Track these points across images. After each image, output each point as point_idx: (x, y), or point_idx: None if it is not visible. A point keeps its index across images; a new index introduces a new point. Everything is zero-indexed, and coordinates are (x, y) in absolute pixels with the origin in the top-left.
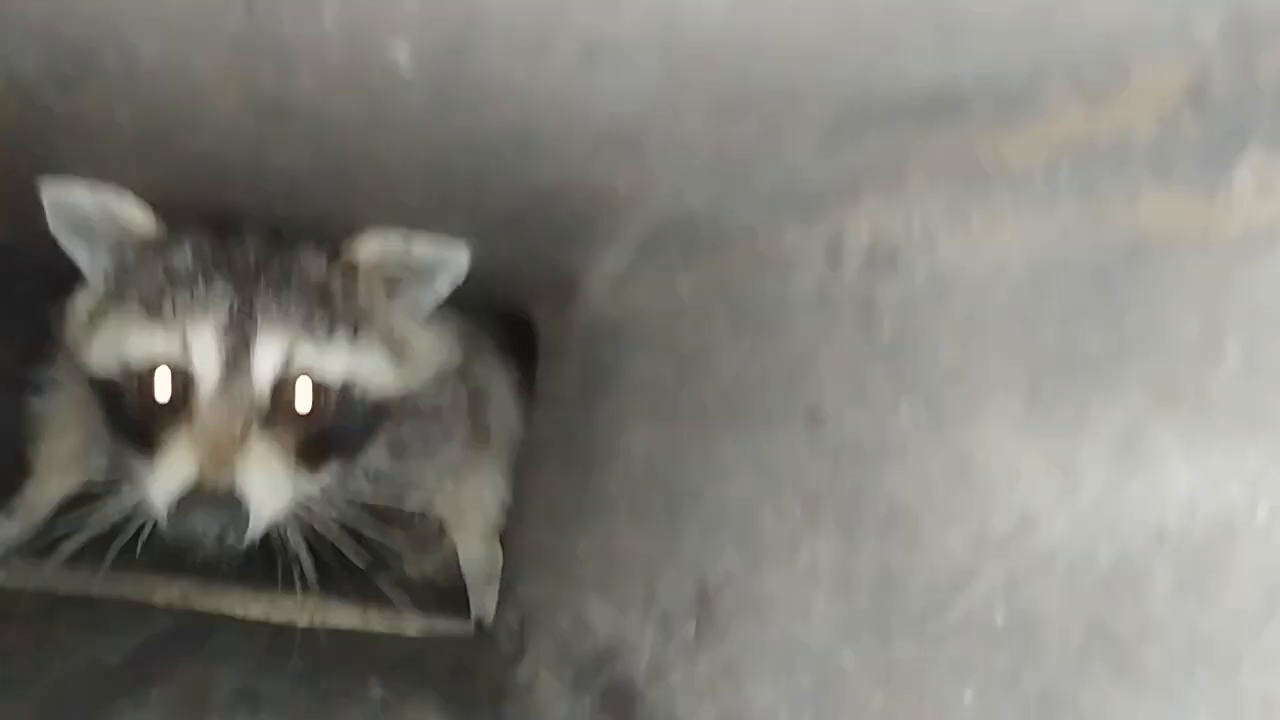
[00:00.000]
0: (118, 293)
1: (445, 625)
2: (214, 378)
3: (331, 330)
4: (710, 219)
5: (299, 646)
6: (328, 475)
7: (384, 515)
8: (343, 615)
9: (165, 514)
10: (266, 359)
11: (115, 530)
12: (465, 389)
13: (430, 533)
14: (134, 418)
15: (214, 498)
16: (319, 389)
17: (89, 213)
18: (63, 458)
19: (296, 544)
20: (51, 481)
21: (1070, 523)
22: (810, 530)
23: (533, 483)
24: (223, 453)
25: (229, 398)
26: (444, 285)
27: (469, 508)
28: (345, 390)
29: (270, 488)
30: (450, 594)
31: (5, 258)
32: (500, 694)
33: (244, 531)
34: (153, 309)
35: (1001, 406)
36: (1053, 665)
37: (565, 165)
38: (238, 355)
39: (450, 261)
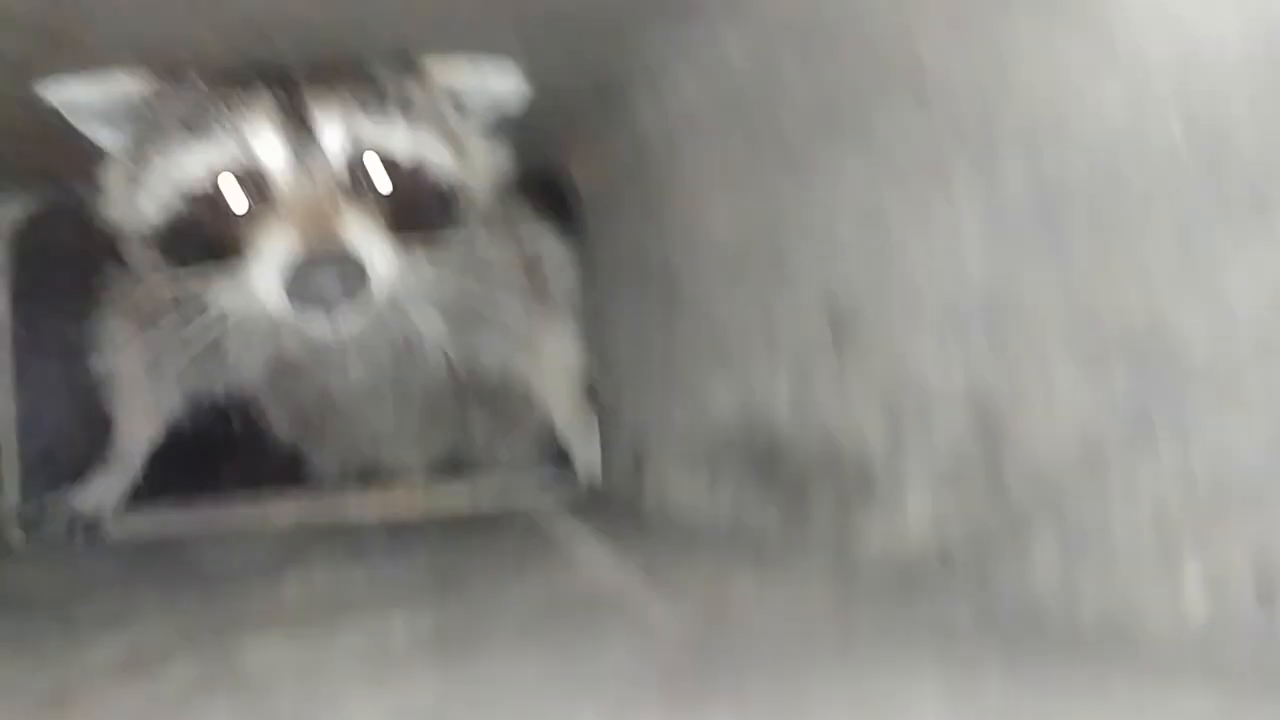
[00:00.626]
0: (151, 139)
1: (554, 488)
2: (284, 161)
3: (385, 111)
4: None
5: (430, 520)
6: (417, 259)
7: (470, 392)
8: (454, 500)
9: (281, 287)
10: (332, 134)
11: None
12: (519, 251)
13: (518, 403)
14: (210, 243)
15: (326, 258)
16: (391, 165)
17: (92, 97)
18: (138, 406)
19: (425, 319)
20: (136, 431)
21: (1240, 21)
22: (942, 192)
23: (611, 322)
24: (320, 221)
25: (306, 175)
26: (500, 113)
27: (551, 370)
28: (414, 164)
29: (377, 246)
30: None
31: (44, 238)
32: (635, 518)
33: (366, 287)
34: (195, 127)
35: None
36: (1253, 156)
37: None
38: (301, 138)
39: (514, 94)
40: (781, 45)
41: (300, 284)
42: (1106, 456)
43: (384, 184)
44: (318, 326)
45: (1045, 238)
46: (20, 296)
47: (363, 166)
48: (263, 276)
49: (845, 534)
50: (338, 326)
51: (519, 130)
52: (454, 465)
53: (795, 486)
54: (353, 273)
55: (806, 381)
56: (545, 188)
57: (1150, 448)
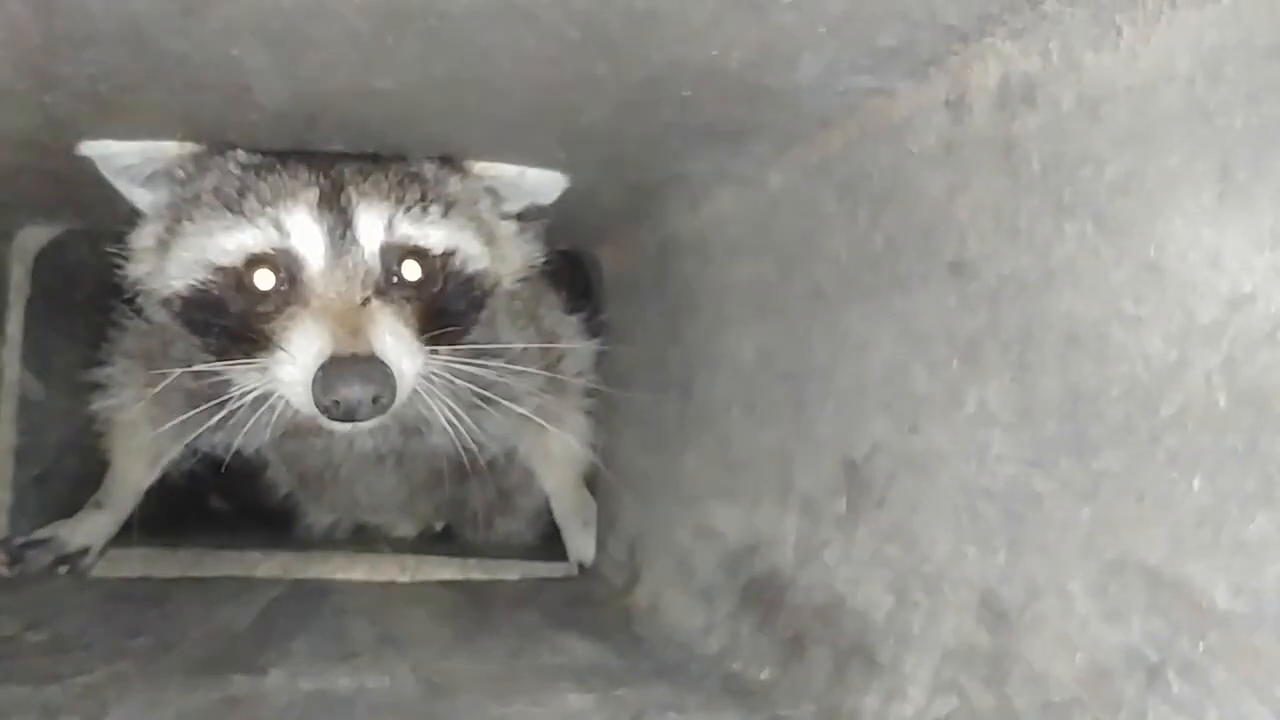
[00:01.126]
0: (185, 208)
1: (546, 569)
2: (321, 252)
3: (424, 205)
4: (817, 90)
5: (417, 598)
6: (441, 354)
7: (472, 468)
8: (443, 569)
9: (309, 388)
10: (370, 227)
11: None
12: (537, 333)
13: (517, 483)
14: (233, 320)
15: (356, 364)
16: (423, 257)
17: (133, 160)
18: (135, 449)
19: (440, 407)
20: (130, 473)
21: None
22: (973, 376)
23: (621, 415)
24: (351, 321)
25: (341, 269)
26: (535, 202)
27: (556, 454)
28: (447, 258)
29: (405, 350)
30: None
31: (61, 265)
32: (625, 620)
33: (394, 393)
34: (233, 205)
35: (1189, 202)
36: None
37: (684, 37)
38: (338, 229)
39: (552, 185)
40: (824, 189)
41: (330, 388)
42: (1116, 689)
43: (414, 273)
44: (340, 427)
45: (1073, 450)
46: (34, 321)
47: (397, 261)
48: (290, 374)
49: (840, 694)
50: (359, 427)
51: (551, 213)
52: (446, 537)
53: (793, 633)
54: (381, 381)
55: (815, 533)
56: (572, 269)
57: (1161, 691)
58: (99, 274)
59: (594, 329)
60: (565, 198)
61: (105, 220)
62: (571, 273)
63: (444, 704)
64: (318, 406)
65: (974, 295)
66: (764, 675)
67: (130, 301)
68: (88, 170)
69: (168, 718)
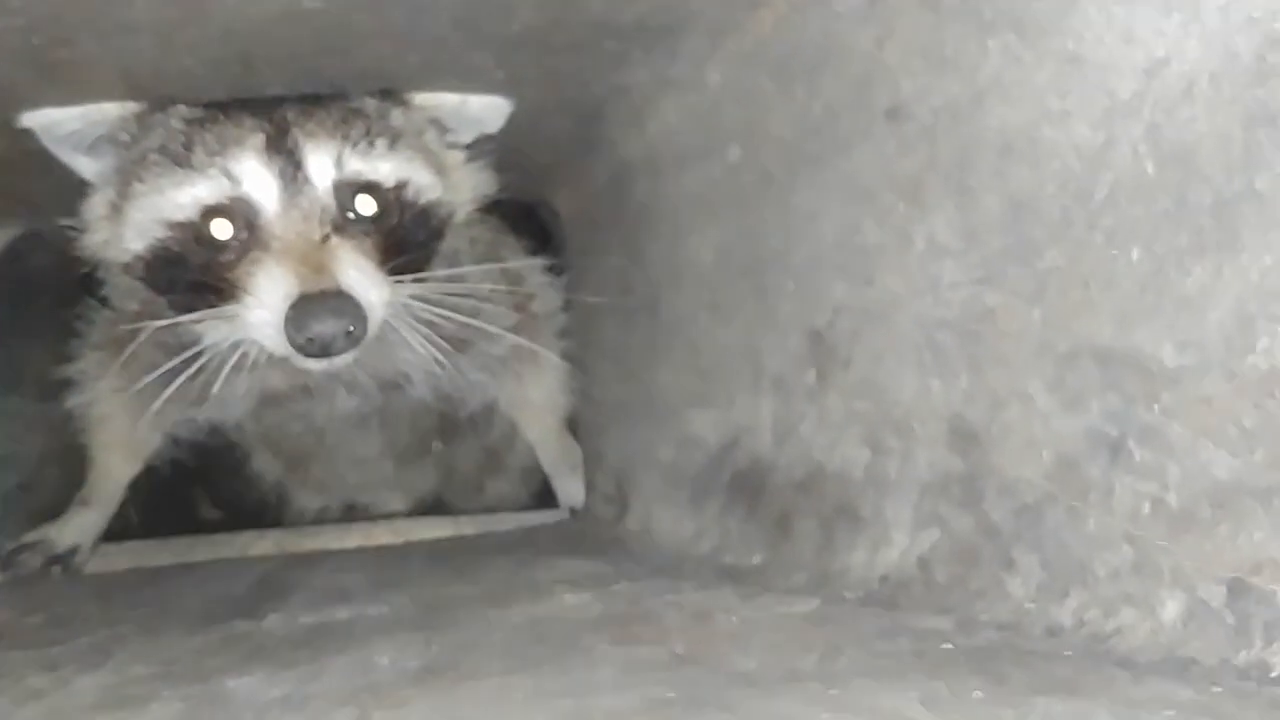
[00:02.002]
0: (133, 169)
1: (538, 517)
2: (274, 195)
3: (370, 140)
4: None
5: (412, 552)
6: (407, 287)
7: (455, 427)
8: (435, 529)
9: (281, 329)
10: (320, 165)
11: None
12: (502, 275)
13: (501, 439)
14: (196, 272)
15: (325, 299)
16: (376, 190)
17: (75, 125)
18: (115, 442)
19: (415, 340)
20: (113, 467)
21: (1202, 44)
22: (919, 215)
23: (594, 352)
24: (314, 259)
25: (297, 210)
26: (482, 131)
27: (536, 402)
28: (399, 189)
29: (370, 282)
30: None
31: (22, 269)
32: (619, 544)
33: (365, 323)
34: (181, 160)
35: None
36: (1219, 177)
37: None
38: (289, 171)
39: (496, 111)
40: (761, 74)
41: (302, 325)
42: (1083, 474)
43: (369, 207)
44: (316, 364)
45: (1019, 258)
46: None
47: (350, 197)
48: (260, 317)
49: (828, 558)
50: (334, 362)
51: (501, 158)
52: (438, 505)
53: (779, 513)
54: (352, 311)
55: (789, 409)
56: (528, 216)
57: (1124, 463)
58: (61, 275)
59: (557, 271)
60: (514, 139)
61: (57, 215)
62: (529, 223)
63: (443, 615)
64: (292, 345)
65: (911, 135)
66: (756, 560)
67: (94, 294)
68: (34, 154)
69: (170, 656)
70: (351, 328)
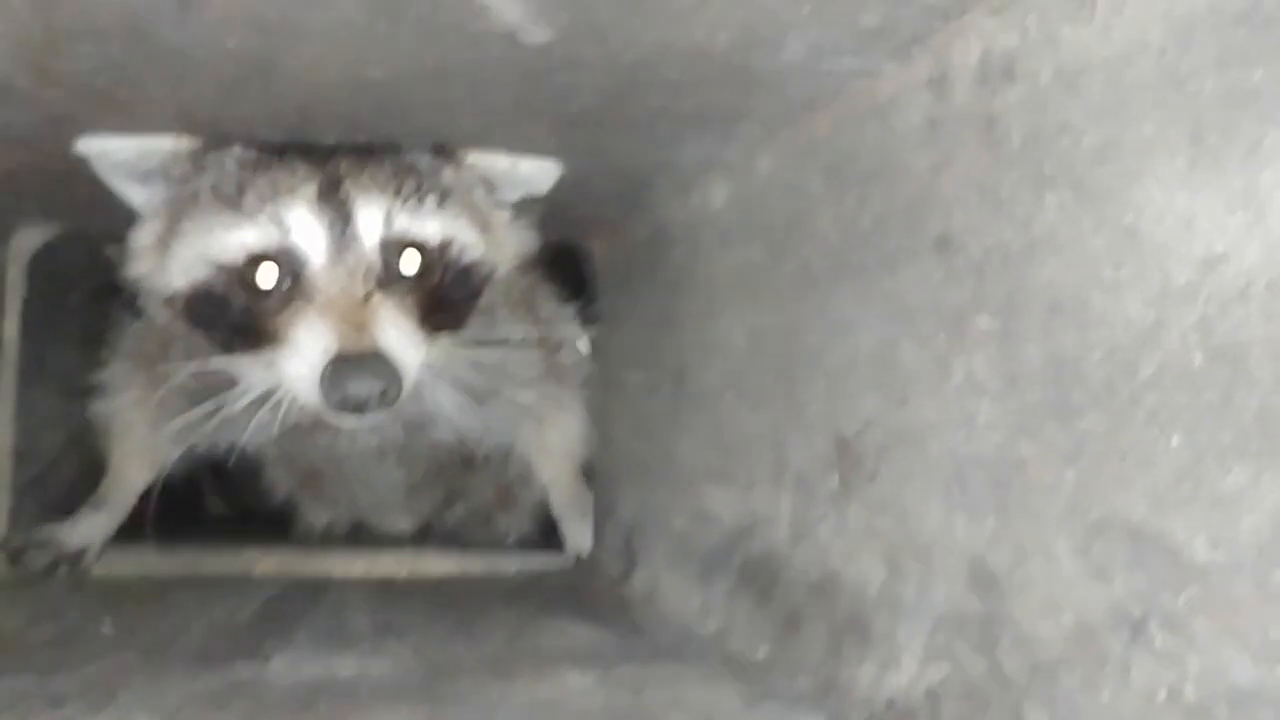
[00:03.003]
0: (184, 206)
1: (543, 561)
2: (322, 248)
3: (420, 197)
4: (803, 72)
5: (416, 590)
6: (442, 344)
7: (471, 464)
8: (441, 564)
9: (317, 384)
10: (369, 221)
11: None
12: (534, 323)
13: (516, 477)
14: (237, 315)
15: (362, 361)
16: (421, 248)
17: (129, 155)
18: (133, 451)
19: (443, 396)
20: (128, 474)
21: (1263, 248)
22: (960, 348)
23: (616, 404)
24: (355, 318)
25: (343, 265)
26: (530, 192)
27: (554, 446)
28: (444, 248)
29: (408, 343)
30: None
31: (57, 267)
32: (623, 607)
33: (400, 386)
34: (232, 202)
35: (1164, 168)
36: (1268, 382)
37: (671, 20)
38: (338, 225)
39: (545, 175)
40: (813, 172)
41: (337, 385)
42: (1102, 645)
43: (412, 266)
44: (348, 421)
45: (1057, 415)
46: (30, 324)
47: (396, 254)
48: (297, 369)
49: (835, 666)
50: (366, 420)
51: (542, 205)
52: (446, 534)
53: (788, 610)
54: (389, 375)
55: (809, 510)
56: (564, 262)
57: (1145, 644)
58: (95, 276)
59: (588, 319)
60: (557, 189)
61: (101, 222)
62: (565, 266)
63: (446, 685)
64: (326, 402)
65: (959, 269)
66: (760, 653)
67: (129, 303)
68: (84, 170)
69: (173, 703)
70: (387, 390)
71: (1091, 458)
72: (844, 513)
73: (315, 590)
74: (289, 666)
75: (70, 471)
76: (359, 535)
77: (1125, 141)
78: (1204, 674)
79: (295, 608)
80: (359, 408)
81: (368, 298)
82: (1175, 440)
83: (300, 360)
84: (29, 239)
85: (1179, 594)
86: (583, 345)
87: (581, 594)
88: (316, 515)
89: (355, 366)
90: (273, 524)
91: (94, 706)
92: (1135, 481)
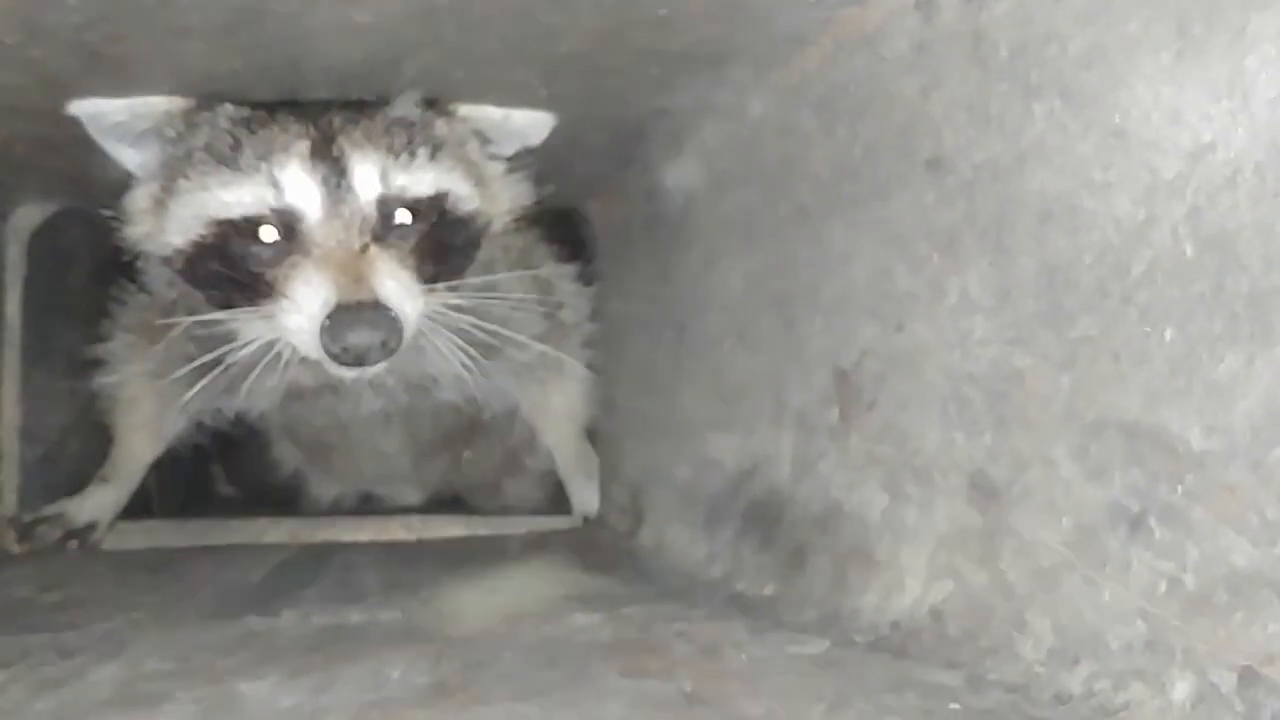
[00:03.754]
0: (179, 166)
1: (550, 523)
2: (318, 204)
3: (413, 150)
4: (791, 4)
5: (424, 552)
6: (440, 295)
7: (476, 428)
8: (449, 527)
9: (317, 336)
10: (364, 176)
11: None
12: (534, 282)
13: (521, 443)
14: (236, 271)
15: (361, 311)
16: (416, 201)
17: (122, 116)
18: (139, 423)
19: (446, 348)
20: (135, 447)
21: (1249, 134)
22: (953, 267)
23: (618, 363)
24: (353, 270)
25: (339, 219)
26: (524, 144)
27: (557, 409)
28: (438, 200)
29: (406, 293)
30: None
31: (57, 243)
32: (630, 559)
33: (400, 336)
34: (227, 161)
35: (1149, 65)
36: (1257, 267)
37: None
38: (333, 180)
39: (539, 126)
40: (804, 109)
41: (338, 335)
42: (1101, 544)
43: (409, 219)
44: (349, 372)
45: (1050, 323)
46: (32, 302)
47: (391, 207)
48: (297, 322)
49: (840, 597)
50: (367, 371)
51: (537, 164)
52: (453, 501)
53: (793, 547)
54: (388, 324)
55: (810, 445)
56: (561, 223)
57: (1144, 539)
58: (95, 252)
59: (588, 279)
60: (552, 148)
61: (100, 198)
62: (563, 228)
63: (454, 628)
64: (327, 354)
65: (950, 188)
66: (767, 590)
67: (129, 276)
68: (79, 139)
69: (183, 652)
70: (386, 339)
71: (1086, 361)
72: (844, 445)
73: (325, 553)
74: (299, 618)
75: (78, 447)
76: (367, 507)
77: (1111, 43)
78: (1203, 561)
79: (305, 569)
80: (360, 358)
81: (364, 250)
82: (1168, 334)
83: (300, 313)
84: (28, 216)
85: (1176, 485)
86: (582, 305)
87: (589, 551)
88: (324, 489)
89: (355, 316)
90: (281, 505)
91: (104, 656)
92: (1130, 379)
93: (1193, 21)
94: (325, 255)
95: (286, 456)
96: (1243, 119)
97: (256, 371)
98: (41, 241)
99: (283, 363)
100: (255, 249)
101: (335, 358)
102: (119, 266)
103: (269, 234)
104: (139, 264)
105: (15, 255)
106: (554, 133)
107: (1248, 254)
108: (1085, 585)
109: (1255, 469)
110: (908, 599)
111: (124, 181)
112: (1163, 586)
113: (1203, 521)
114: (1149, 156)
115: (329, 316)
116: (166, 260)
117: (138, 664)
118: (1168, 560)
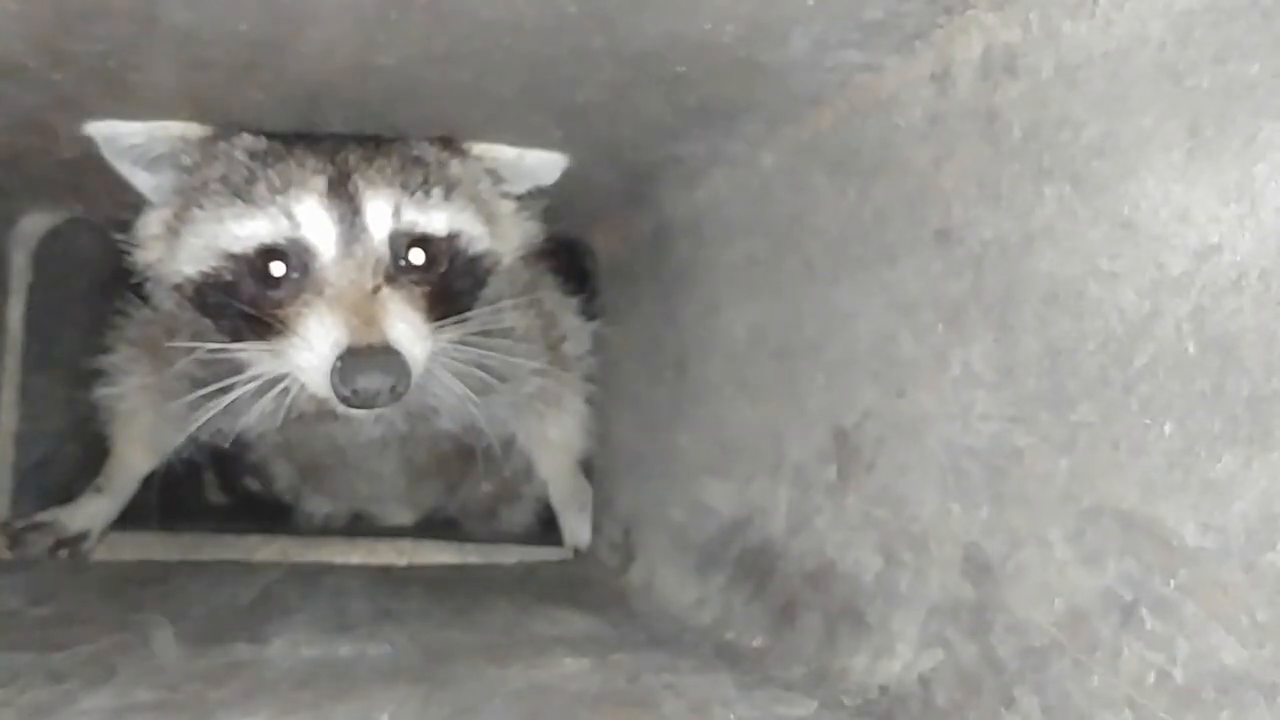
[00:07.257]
0: (193, 194)
1: (541, 553)
2: (332, 241)
3: (428, 189)
4: (807, 66)
5: (414, 578)
6: (447, 335)
7: (472, 455)
8: (439, 553)
9: (327, 376)
10: (378, 214)
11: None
12: (538, 315)
13: (517, 470)
14: (246, 304)
15: (372, 356)
16: (429, 242)
17: (138, 140)
18: (136, 436)
19: (447, 385)
20: (131, 459)
21: (1256, 239)
22: (958, 339)
23: (617, 398)
24: (365, 311)
25: (352, 260)
26: (536, 184)
27: (554, 440)
28: (451, 240)
29: (416, 336)
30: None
31: (62, 252)
32: (620, 598)
33: (409, 381)
34: (242, 193)
35: (1161, 161)
36: (1258, 371)
37: (678, 11)
38: (347, 218)
39: (551, 167)
40: (815, 167)
41: (348, 379)
42: (1093, 629)
43: (420, 259)
44: (357, 413)
45: (1052, 404)
46: (35, 308)
47: (404, 247)
48: (308, 361)
49: (829, 656)
50: (374, 413)
51: (548, 197)
52: (445, 525)
53: (784, 600)
54: (397, 370)
55: (806, 500)
56: (566, 252)
57: (1135, 628)
58: (101, 262)
59: (591, 313)
60: (561, 182)
61: (107, 208)
62: (568, 260)
63: (443, 668)
64: (337, 395)
65: (958, 260)
66: (756, 642)
67: (135, 289)
68: (92, 155)
69: (173, 681)
70: (396, 384)
71: (1085, 446)
72: (841, 504)
73: (315, 575)
74: (288, 647)
75: (74, 455)
76: (358, 527)
77: (1123, 134)
78: (1193, 656)
79: (295, 593)
80: (368, 401)
81: (376, 290)
82: (1168, 428)
83: (310, 353)
84: (35, 224)
85: (1169, 579)
86: (584, 339)
87: (579, 586)
88: (316, 506)
89: (366, 361)
90: (272, 515)
91: (93, 682)
92: (1128, 469)
93: (1205, 123)
94: (338, 295)
95: (281, 473)
96: (1250, 224)
97: (262, 401)
98: (48, 249)
99: (289, 398)
100: (266, 284)
101: (345, 400)
102: (125, 278)
103: (280, 270)
104: (146, 282)
105: (21, 262)
106: (565, 172)
107: (1250, 358)
108: (1075, 668)
109: (1248, 570)
110: (898, 664)
111: (133, 196)
112: (1151, 677)
113: (1194, 617)
114: (1156, 251)
115: (340, 359)
116: (177, 288)
117: (128, 692)
118: (1158, 652)
